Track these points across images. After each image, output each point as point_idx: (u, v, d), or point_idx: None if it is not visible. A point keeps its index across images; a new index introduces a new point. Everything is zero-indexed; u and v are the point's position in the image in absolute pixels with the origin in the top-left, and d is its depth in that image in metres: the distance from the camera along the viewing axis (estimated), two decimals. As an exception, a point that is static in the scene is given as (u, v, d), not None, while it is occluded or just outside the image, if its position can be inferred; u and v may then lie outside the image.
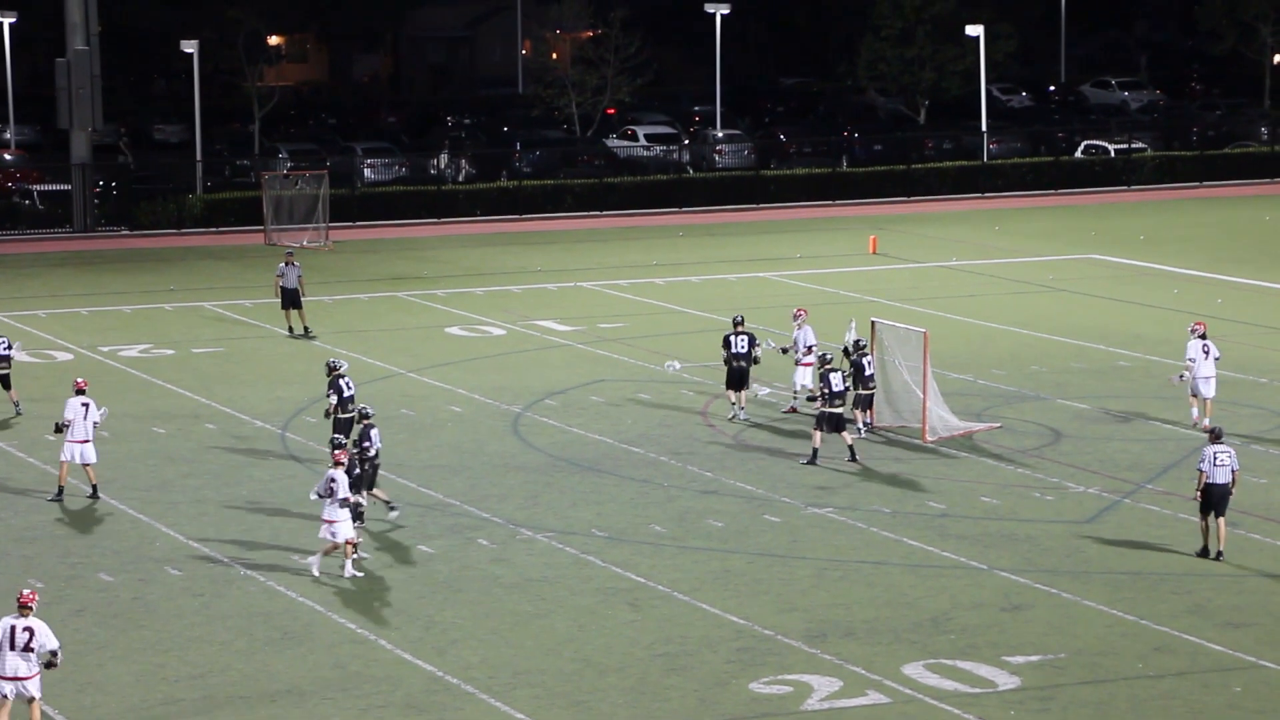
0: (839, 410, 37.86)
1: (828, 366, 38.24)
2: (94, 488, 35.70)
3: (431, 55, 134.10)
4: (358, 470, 32.39)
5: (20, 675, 24.33)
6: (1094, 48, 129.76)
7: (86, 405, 35.60)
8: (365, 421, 33.87)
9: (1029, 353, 48.64)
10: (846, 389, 38.26)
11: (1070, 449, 39.33)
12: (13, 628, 24.37)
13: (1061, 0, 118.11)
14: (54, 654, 24.49)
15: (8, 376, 42.45)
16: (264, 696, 26.36)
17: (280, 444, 39.91)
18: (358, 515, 31.89)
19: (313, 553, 31.46)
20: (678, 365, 43.95)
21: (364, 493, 32.80)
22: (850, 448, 37.89)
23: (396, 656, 27.85)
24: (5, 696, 24.46)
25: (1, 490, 36.29)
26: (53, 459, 36.53)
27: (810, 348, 41.38)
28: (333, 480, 31.02)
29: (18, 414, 42.11)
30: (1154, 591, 30.59)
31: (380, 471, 34.09)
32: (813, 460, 37.71)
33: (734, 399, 41.38)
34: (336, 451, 32.07)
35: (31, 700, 24.27)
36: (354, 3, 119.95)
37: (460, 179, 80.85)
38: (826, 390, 37.71)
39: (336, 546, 31.11)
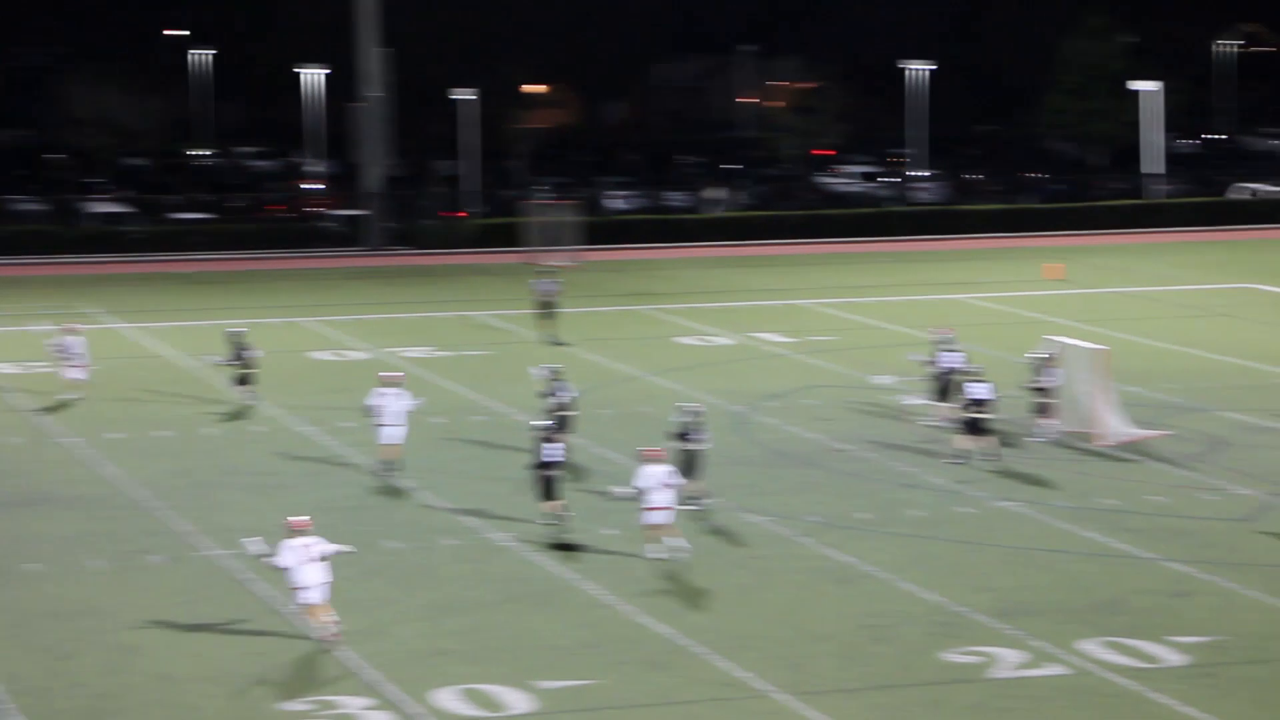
0: (978, 416, 37.28)
1: (969, 376, 37.81)
2: (393, 465, 36.17)
3: (669, 102, 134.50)
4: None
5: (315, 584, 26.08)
6: (1254, 100, 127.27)
7: (398, 395, 36.10)
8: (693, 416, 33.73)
9: (1196, 370, 47.81)
10: (990, 400, 37.55)
11: (1232, 455, 38.56)
12: (306, 546, 26.16)
13: (1214, 57, 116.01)
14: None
15: (250, 375, 42.31)
16: (524, 649, 26.53)
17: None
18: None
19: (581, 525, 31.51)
20: (890, 380, 42.93)
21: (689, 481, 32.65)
22: (989, 452, 37.32)
23: (638, 620, 27.91)
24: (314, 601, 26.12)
25: (306, 464, 36.83)
26: (337, 441, 37.03)
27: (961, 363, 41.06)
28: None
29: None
30: (1306, 583, 29.94)
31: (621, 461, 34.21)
32: (960, 461, 37.23)
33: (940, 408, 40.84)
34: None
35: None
36: (604, 58, 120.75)
37: (720, 211, 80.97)
38: (966, 398, 37.31)
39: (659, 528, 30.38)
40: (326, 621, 26.33)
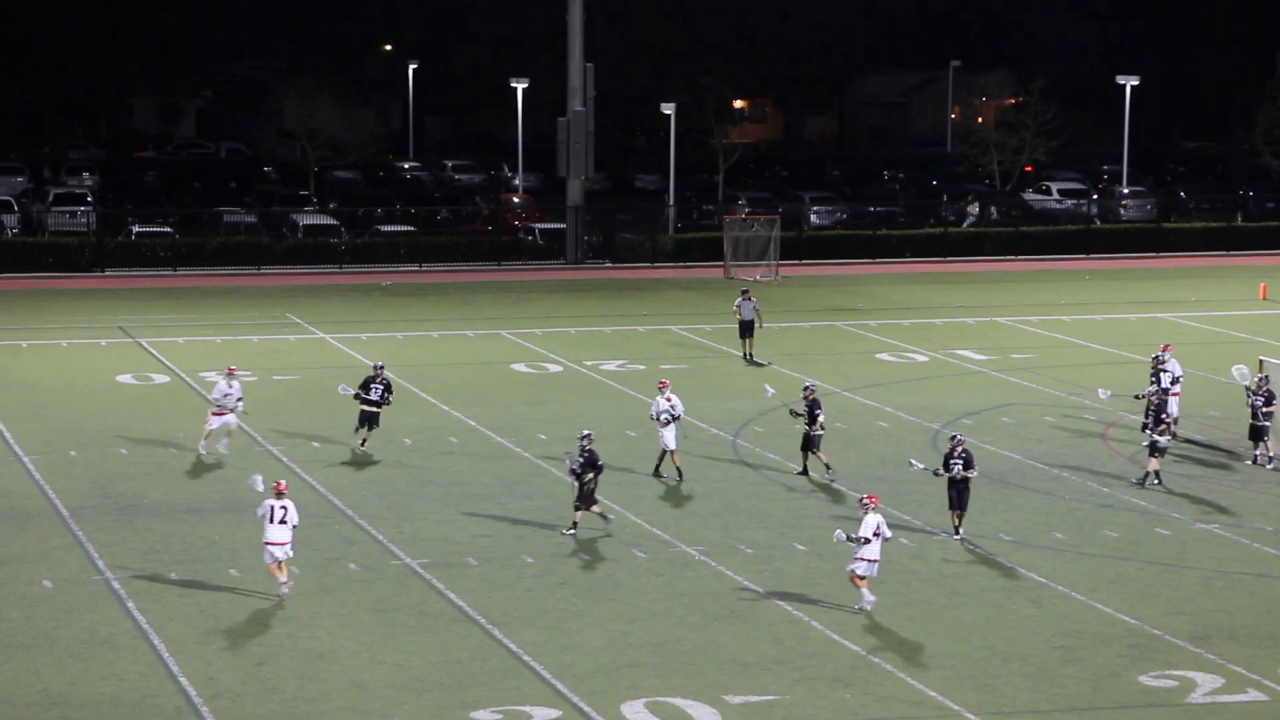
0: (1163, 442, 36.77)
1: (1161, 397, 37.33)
2: (678, 471, 37.12)
3: (871, 118, 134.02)
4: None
5: (281, 541, 29.07)
6: None
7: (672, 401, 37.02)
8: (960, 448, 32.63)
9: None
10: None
11: None
12: (272, 507, 29.19)
13: None
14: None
15: (377, 415, 39.46)
16: (712, 665, 26.60)
17: (732, 450, 40.23)
18: None
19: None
20: (1107, 393, 42.13)
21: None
22: (1156, 472, 36.75)
23: (826, 636, 27.87)
24: (276, 560, 29.18)
25: (501, 476, 37.16)
26: (532, 454, 37.32)
27: (1177, 379, 40.44)
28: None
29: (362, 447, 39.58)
30: None
31: (820, 477, 34.09)
32: (1142, 482, 36.66)
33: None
34: (867, 498, 29.65)
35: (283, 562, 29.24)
36: (806, 72, 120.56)
37: (966, 225, 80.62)
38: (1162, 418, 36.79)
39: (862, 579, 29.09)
40: (284, 580, 29.35)
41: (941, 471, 32.84)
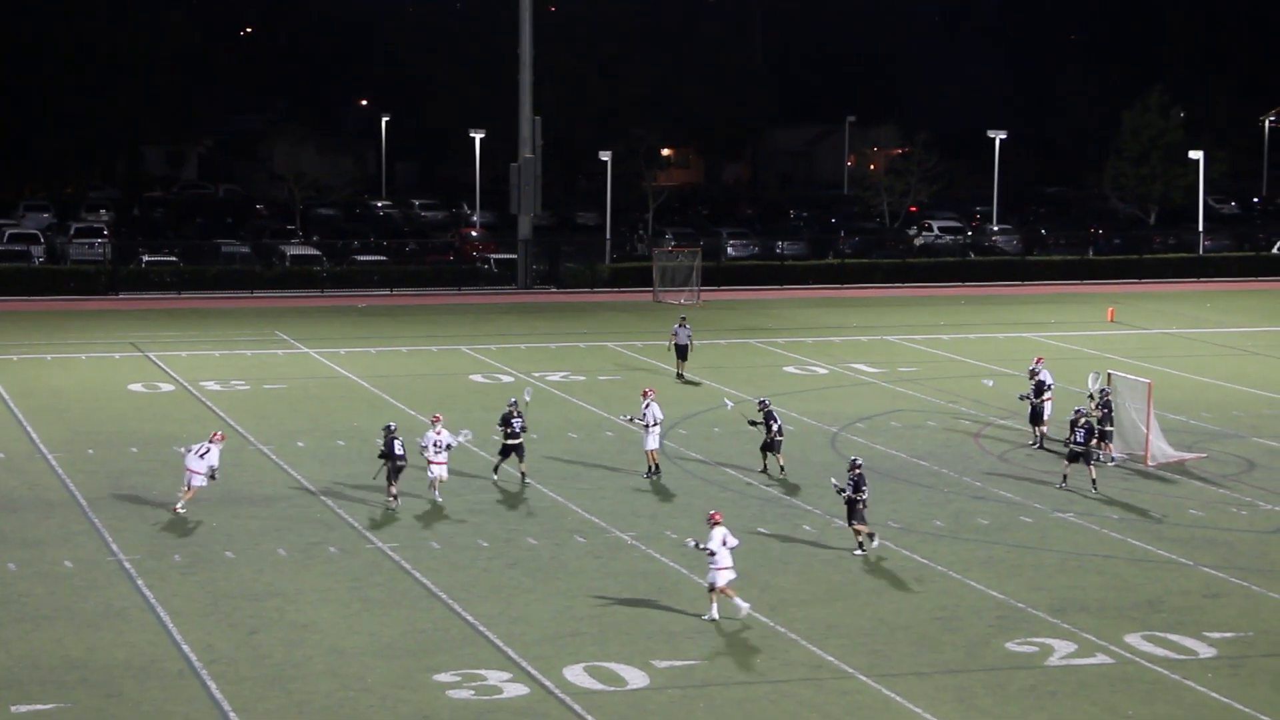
0: (1080, 449, 36.58)
1: (1086, 419, 36.95)
2: (654, 470, 36.91)
3: (779, 164, 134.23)
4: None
5: (197, 471, 32.81)
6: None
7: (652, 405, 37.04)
8: (856, 471, 31.06)
9: (1232, 401, 47.07)
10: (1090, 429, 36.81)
11: (1262, 476, 37.96)
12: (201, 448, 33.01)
13: (1265, 131, 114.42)
14: (215, 470, 33.09)
15: (519, 447, 36.21)
16: (643, 634, 26.56)
17: (659, 450, 40.17)
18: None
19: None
20: (990, 382, 42.09)
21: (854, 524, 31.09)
22: (1093, 480, 36.37)
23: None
24: (189, 485, 32.67)
25: (462, 473, 36.94)
26: (488, 453, 37.22)
27: (1049, 387, 40.68)
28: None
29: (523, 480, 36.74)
30: (1325, 588, 29.39)
31: (732, 471, 34.13)
32: (1063, 484, 36.72)
33: (1035, 431, 40.46)
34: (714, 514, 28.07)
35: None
36: (724, 125, 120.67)
37: (919, 243, 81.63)
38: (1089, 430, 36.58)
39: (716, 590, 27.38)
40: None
41: (846, 490, 31.63)
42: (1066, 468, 36.52)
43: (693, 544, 28.37)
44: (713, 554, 27.26)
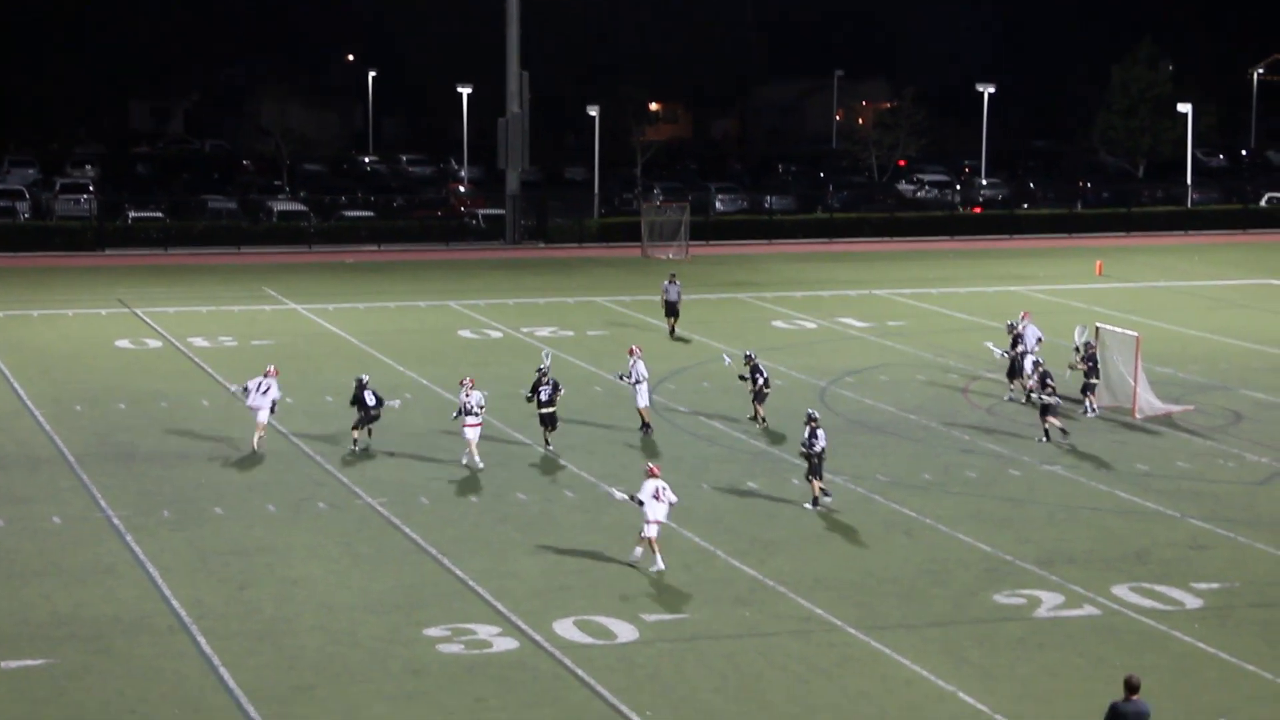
0: (1051, 401, 36.58)
1: (1044, 369, 37.17)
2: (646, 427, 36.65)
3: (768, 119, 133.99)
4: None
5: (262, 407, 34.03)
6: (1278, 121, 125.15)
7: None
8: (812, 425, 30.94)
9: (1218, 353, 47.16)
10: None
11: (1248, 428, 38.06)
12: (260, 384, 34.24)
13: (1253, 84, 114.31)
14: (275, 402, 34.36)
15: (553, 416, 35.45)
16: (632, 588, 26.62)
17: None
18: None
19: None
20: (999, 350, 41.33)
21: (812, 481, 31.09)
22: (1061, 429, 36.50)
23: (729, 563, 27.96)
24: (260, 423, 33.98)
25: (453, 429, 36.91)
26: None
27: (1039, 340, 40.72)
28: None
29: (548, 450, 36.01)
30: (1311, 540, 29.51)
31: (720, 425, 34.13)
32: (1046, 438, 36.73)
33: (1011, 385, 40.47)
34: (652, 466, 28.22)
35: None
36: (713, 80, 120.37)
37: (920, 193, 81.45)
38: (1051, 385, 36.69)
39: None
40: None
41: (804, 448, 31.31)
42: (1045, 423, 36.52)
43: (621, 494, 28.55)
44: (642, 503, 27.29)
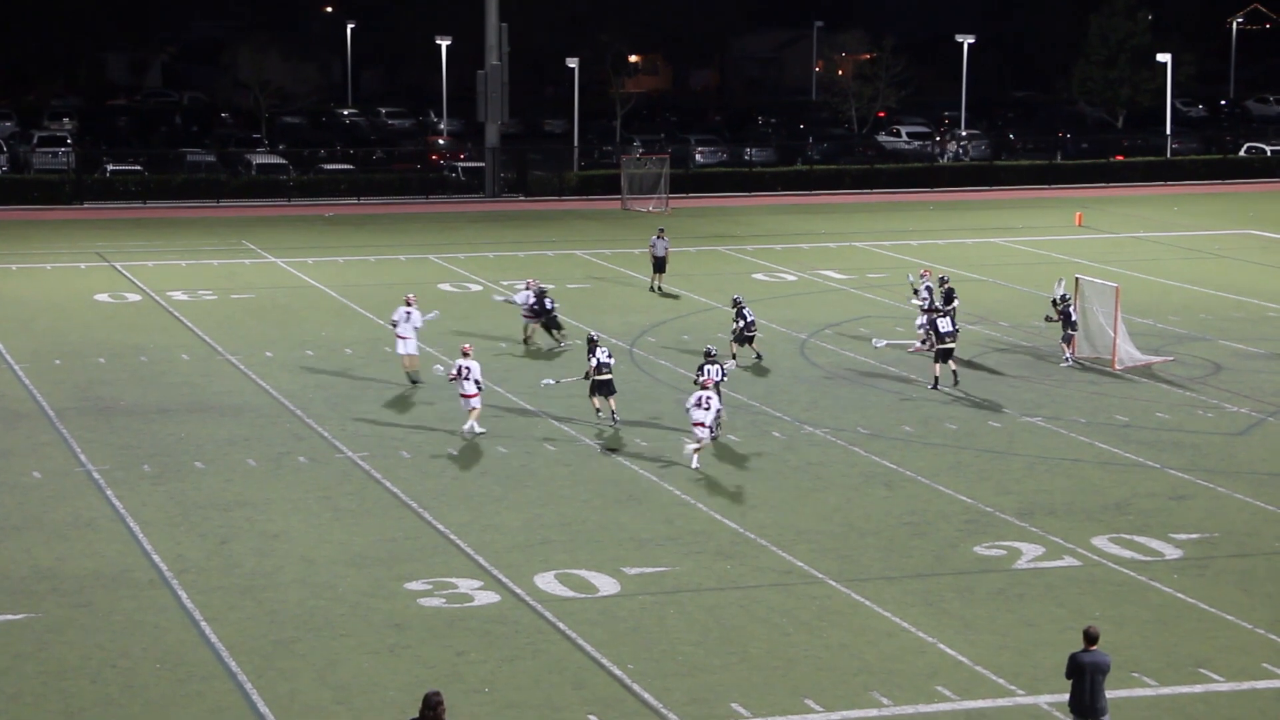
0: (949, 347, 36.75)
1: (935, 315, 37.32)
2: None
3: (748, 71, 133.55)
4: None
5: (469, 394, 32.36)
6: (1258, 71, 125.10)
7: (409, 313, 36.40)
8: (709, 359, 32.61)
9: (1198, 304, 47.19)
10: (955, 331, 36.92)
11: (1228, 378, 38.11)
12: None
13: (1232, 34, 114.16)
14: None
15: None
16: (613, 541, 26.62)
17: (629, 357, 40.17)
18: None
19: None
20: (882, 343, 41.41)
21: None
22: (940, 378, 36.58)
23: (710, 516, 27.94)
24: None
25: (431, 380, 36.81)
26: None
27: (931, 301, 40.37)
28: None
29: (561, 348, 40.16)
30: (1290, 490, 29.58)
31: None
32: (935, 385, 36.71)
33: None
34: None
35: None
36: (692, 31, 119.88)
37: (947, 159, 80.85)
38: (935, 332, 36.79)
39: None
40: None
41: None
42: (937, 369, 36.50)
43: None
44: (689, 409, 30.31)
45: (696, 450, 30.46)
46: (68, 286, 49.10)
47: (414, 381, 36.45)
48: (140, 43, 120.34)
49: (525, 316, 40.74)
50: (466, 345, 33.68)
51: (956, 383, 36.76)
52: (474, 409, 32.62)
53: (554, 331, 40.79)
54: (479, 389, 32.61)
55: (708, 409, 30.35)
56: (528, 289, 40.67)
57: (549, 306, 40.70)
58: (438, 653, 22.08)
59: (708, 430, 30.50)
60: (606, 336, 41.66)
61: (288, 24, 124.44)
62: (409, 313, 36.63)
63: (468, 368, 32.45)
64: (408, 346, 36.57)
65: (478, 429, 32.62)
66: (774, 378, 37.79)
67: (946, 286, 40.31)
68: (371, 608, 23.62)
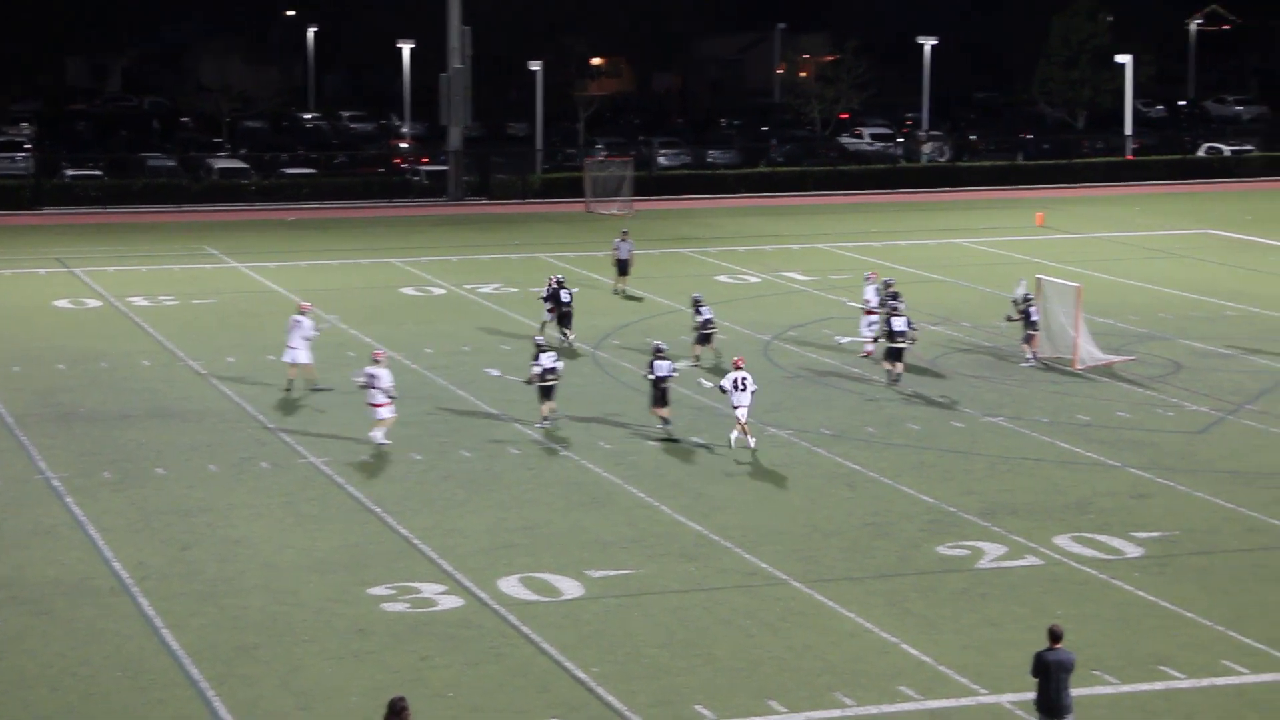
0: (900, 345, 36.99)
1: (876, 314, 37.69)
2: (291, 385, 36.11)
3: (710, 73, 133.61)
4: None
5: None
6: (1216, 72, 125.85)
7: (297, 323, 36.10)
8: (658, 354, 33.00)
9: (1157, 303, 47.41)
10: (906, 331, 37.12)
11: (1187, 377, 38.29)
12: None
13: (1192, 35, 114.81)
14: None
15: (569, 314, 40.71)
16: (576, 544, 26.56)
17: (592, 360, 40.16)
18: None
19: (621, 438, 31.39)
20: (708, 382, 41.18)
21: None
22: (898, 375, 37.00)
23: (673, 518, 27.93)
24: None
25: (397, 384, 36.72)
26: (419, 365, 37.01)
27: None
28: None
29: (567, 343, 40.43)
30: (1249, 486, 29.71)
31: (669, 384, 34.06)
32: (894, 382, 36.90)
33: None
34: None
35: None
36: (654, 34, 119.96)
37: (926, 161, 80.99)
38: (889, 331, 37.04)
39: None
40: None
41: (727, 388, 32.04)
42: (893, 366, 36.76)
43: (708, 383, 32.76)
44: (725, 390, 31.63)
45: (743, 432, 31.45)
46: (27, 293, 48.82)
47: (315, 389, 36.09)
48: (101, 47, 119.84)
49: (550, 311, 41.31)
50: (379, 351, 33.05)
51: (897, 380, 36.83)
52: (382, 419, 31.62)
53: (564, 329, 40.76)
54: (390, 399, 31.66)
55: (743, 389, 31.40)
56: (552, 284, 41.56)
57: (565, 300, 40.95)
58: (401, 658, 22.02)
59: (745, 410, 31.47)
60: (568, 340, 41.66)
61: (250, 29, 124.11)
62: (299, 320, 36.17)
63: (376, 375, 31.57)
64: (297, 355, 36.09)
65: (382, 439, 31.58)
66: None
67: (891, 289, 40.26)
68: (334, 613, 23.54)
